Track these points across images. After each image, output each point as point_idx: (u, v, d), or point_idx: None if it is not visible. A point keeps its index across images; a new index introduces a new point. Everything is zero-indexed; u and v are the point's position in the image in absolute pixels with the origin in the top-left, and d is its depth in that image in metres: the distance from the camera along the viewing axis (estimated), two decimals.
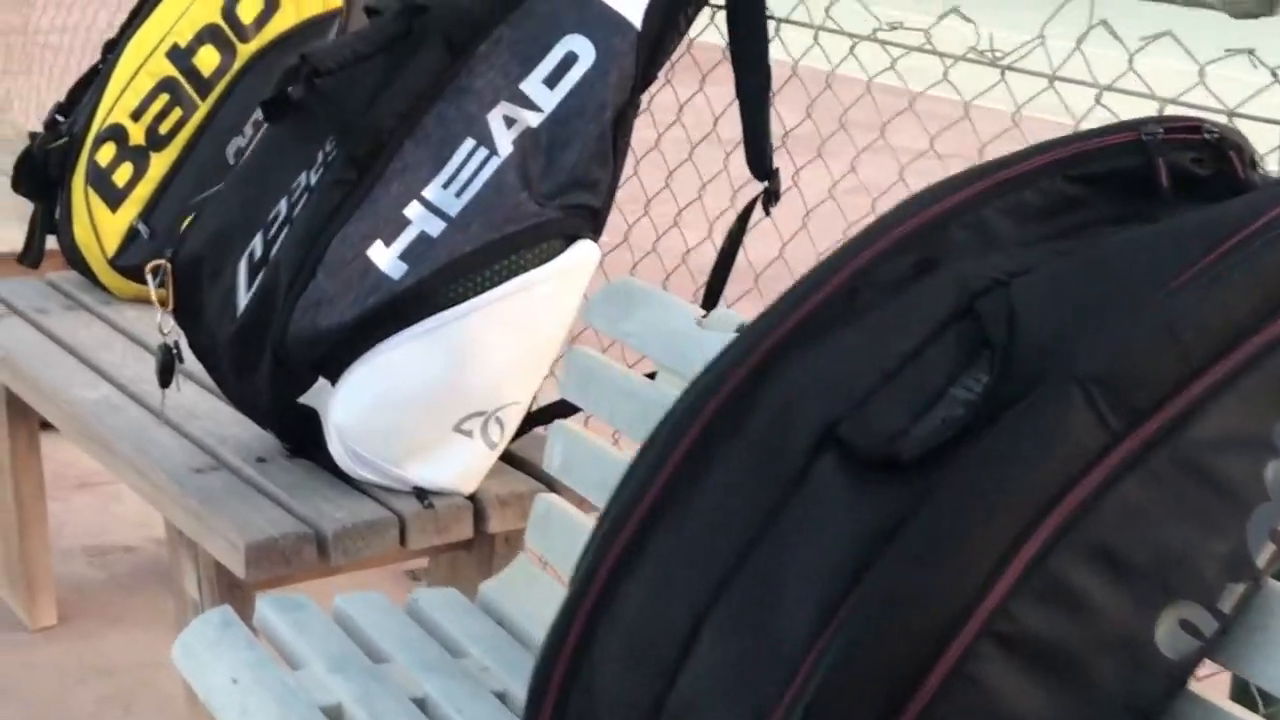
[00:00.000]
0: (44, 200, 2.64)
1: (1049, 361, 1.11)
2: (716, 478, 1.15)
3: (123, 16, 5.01)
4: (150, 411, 2.16)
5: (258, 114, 2.58)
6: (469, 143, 1.88)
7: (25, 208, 3.46)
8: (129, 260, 2.57)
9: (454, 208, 1.87)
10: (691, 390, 1.18)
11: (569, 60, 1.92)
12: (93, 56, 5.12)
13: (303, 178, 1.90)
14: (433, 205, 1.86)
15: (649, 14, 1.93)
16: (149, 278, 1.94)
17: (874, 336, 1.17)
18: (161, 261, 1.94)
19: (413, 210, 1.86)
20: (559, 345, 1.96)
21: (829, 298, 1.19)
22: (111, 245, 2.57)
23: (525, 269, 1.89)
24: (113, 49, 2.65)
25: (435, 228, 1.86)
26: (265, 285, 1.86)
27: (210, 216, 1.95)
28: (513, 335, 1.90)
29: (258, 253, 1.89)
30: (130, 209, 2.57)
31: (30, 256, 2.66)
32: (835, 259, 1.21)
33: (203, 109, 2.59)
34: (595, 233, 1.95)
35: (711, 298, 1.94)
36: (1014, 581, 1.05)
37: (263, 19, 2.61)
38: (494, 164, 1.88)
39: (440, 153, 1.88)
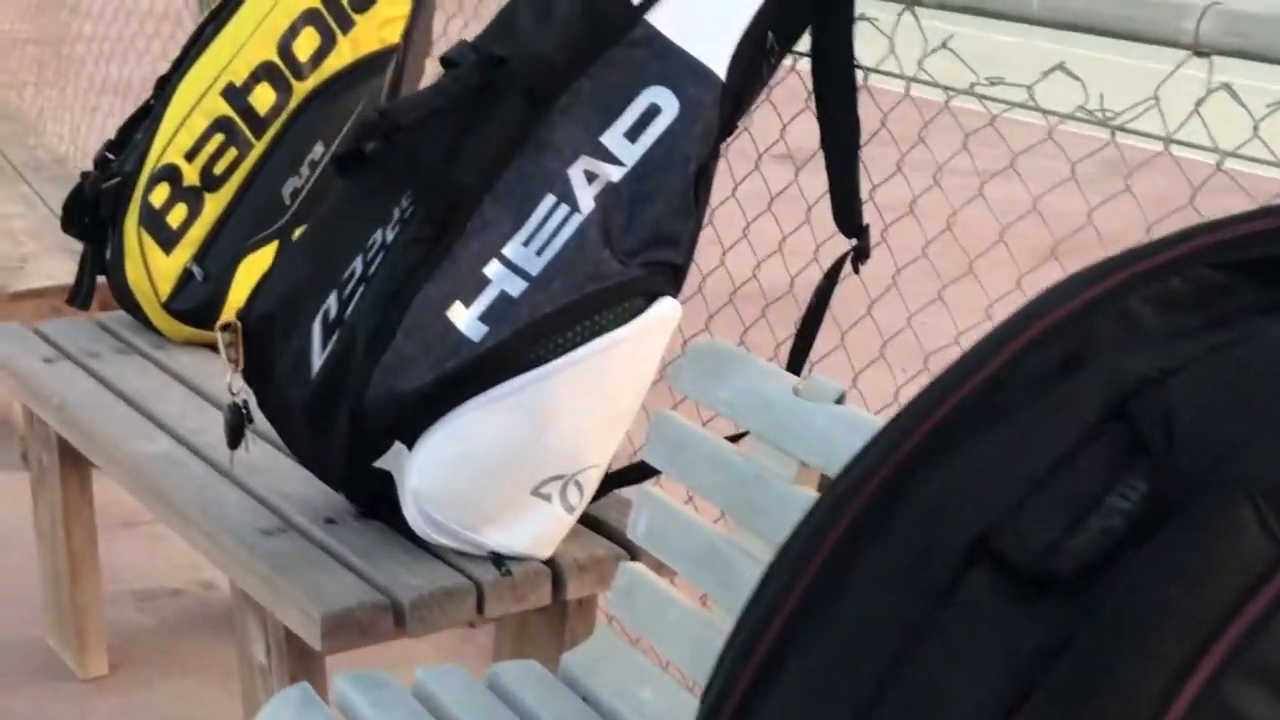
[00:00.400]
0: (94, 240, 2.59)
1: (1211, 469, 1.05)
2: (858, 590, 1.09)
3: (148, 25, 4.98)
4: (213, 467, 2.10)
5: (314, 153, 2.54)
6: (550, 199, 1.83)
7: (67, 240, 3.41)
8: (183, 303, 2.52)
9: (535, 266, 1.81)
10: (830, 493, 1.12)
11: (651, 113, 1.86)
12: (119, 68, 5.11)
13: (378, 235, 1.84)
14: (513, 264, 1.81)
15: (734, 64, 1.88)
16: (218, 336, 1.89)
17: (1022, 438, 1.11)
18: (231, 319, 1.89)
19: (493, 269, 1.80)
20: (638, 404, 1.91)
21: (972, 394, 1.13)
22: (165, 288, 2.52)
23: (607, 329, 1.83)
24: (165, 86, 2.60)
25: (516, 287, 1.80)
26: (341, 347, 1.80)
27: (282, 274, 1.89)
28: (593, 397, 1.84)
29: (332, 312, 1.83)
30: (184, 251, 2.52)
31: (80, 298, 2.60)
32: (978, 353, 1.15)
33: (258, 148, 2.53)
34: (676, 289, 1.90)
35: (798, 360, 1.88)
36: (1185, 711, 0.99)
37: (319, 56, 2.55)
38: (575, 221, 1.82)
39: (520, 209, 1.82)
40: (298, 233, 2.51)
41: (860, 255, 1.87)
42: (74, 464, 2.49)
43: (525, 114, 1.84)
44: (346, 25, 2.57)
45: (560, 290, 1.81)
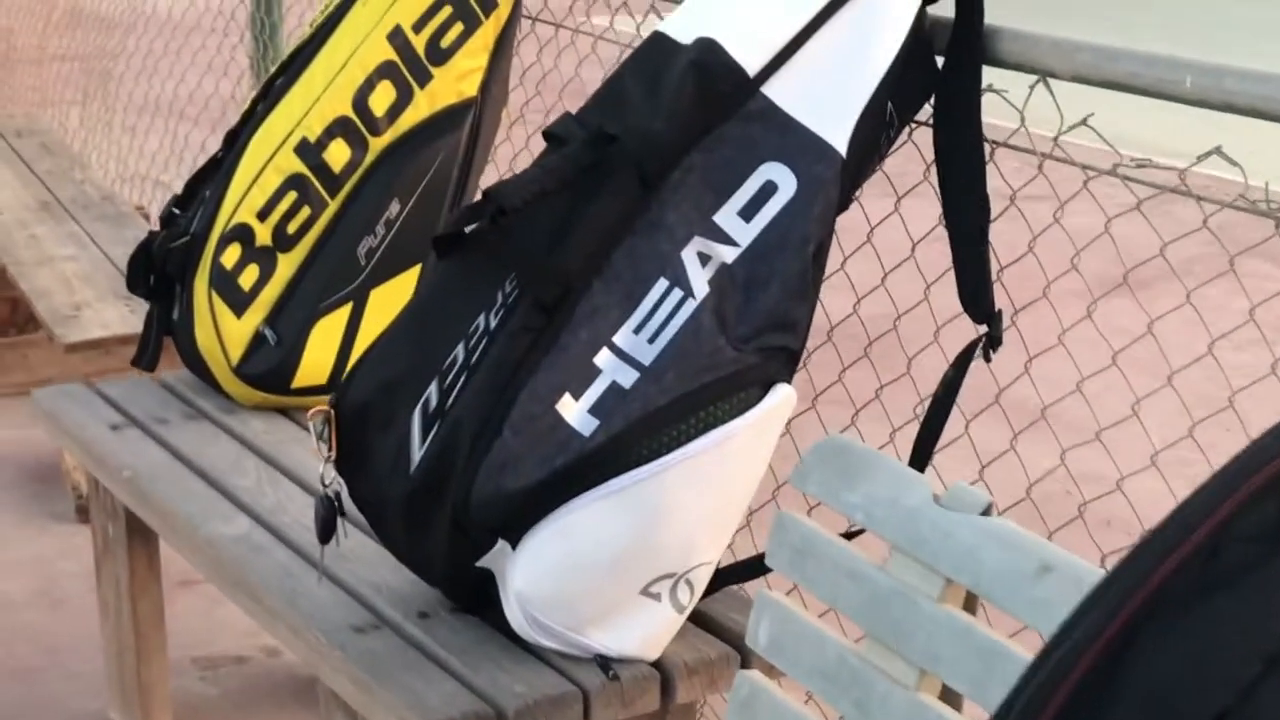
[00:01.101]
0: (160, 300, 2.49)
1: None
2: None
3: (174, 42, 4.89)
4: (297, 553, 2.00)
5: (390, 212, 2.45)
6: (662, 283, 1.73)
7: (121, 284, 3.32)
8: (254, 368, 2.43)
9: (647, 355, 1.71)
10: (1044, 660, 1.02)
11: (767, 190, 1.76)
12: (156, 85, 5.02)
13: (481, 320, 1.75)
14: (624, 353, 1.71)
15: (854, 139, 1.78)
16: (310, 425, 1.79)
17: (1249, 609, 1.00)
18: (323, 408, 1.79)
19: (603, 359, 1.70)
20: (752, 495, 1.81)
21: (1188, 559, 1.03)
22: (236, 352, 2.42)
23: (722, 421, 1.73)
24: (234, 140, 2.50)
25: (627, 378, 1.70)
26: (444, 442, 1.70)
27: (379, 360, 1.79)
28: (707, 492, 1.74)
29: (433, 402, 1.74)
30: (256, 313, 2.43)
31: (146, 359, 2.51)
32: (1188, 514, 1.05)
33: (332, 207, 2.44)
34: (791, 374, 1.80)
35: (922, 456, 1.78)
36: None
37: (395, 111, 2.46)
38: (690, 307, 1.72)
39: (631, 294, 1.72)
40: (382, 309, 2.41)
41: (993, 343, 1.76)
42: (141, 535, 2.39)
43: (636, 193, 1.74)
44: (423, 79, 2.47)
45: (674, 381, 1.71)
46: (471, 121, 2.51)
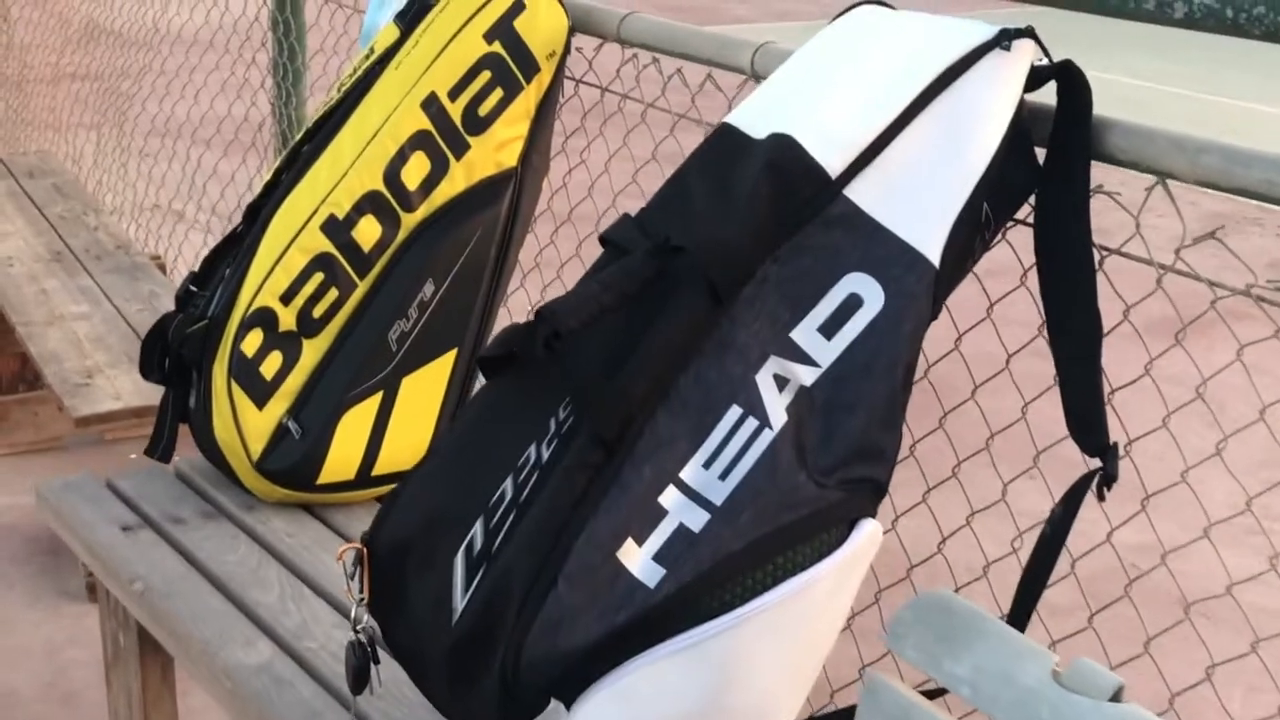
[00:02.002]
0: (176, 386, 2.31)
1: None
2: None
3: (190, 62, 4.70)
4: (324, 687, 1.82)
5: (423, 293, 2.27)
6: (734, 411, 1.54)
7: (136, 347, 3.14)
8: (277, 463, 2.24)
9: (719, 494, 1.52)
10: None
11: (851, 304, 1.57)
12: (160, 106, 4.83)
13: (532, 451, 1.56)
14: (693, 491, 1.52)
15: (949, 245, 1.59)
16: (341, 565, 1.61)
17: None
18: (355, 545, 1.61)
19: (670, 498, 1.52)
20: (833, 643, 1.62)
21: None
22: (257, 446, 2.24)
23: (803, 566, 1.54)
24: (255, 215, 2.32)
25: (697, 520, 1.51)
26: (492, 592, 1.51)
27: (417, 493, 1.61)
28: (785, 645, 1.55)
29: (478, 544, 1.55)
30: (279, 404, 2.24)
31: (159, 449, 2.32)
32: None
33: (361, 288, 2.26)
34: (876, 508, 1.61)
35: (1024, 611, 1.59)
36: None
37: (430, 184, 2.28)
38: (766, 438, 1.54)
39: (700, 423, 1.54)
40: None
41: (1107, 479, 1.57)
42: (155, 645, 2.21)
43: (705, 310, 1.55)
44: (460, 149, 2.29)
45: (749, 523, 1.52)
46: (511, 194, 2.33)
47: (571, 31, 2.34)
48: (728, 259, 1.56)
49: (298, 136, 2.37)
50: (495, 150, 2.31)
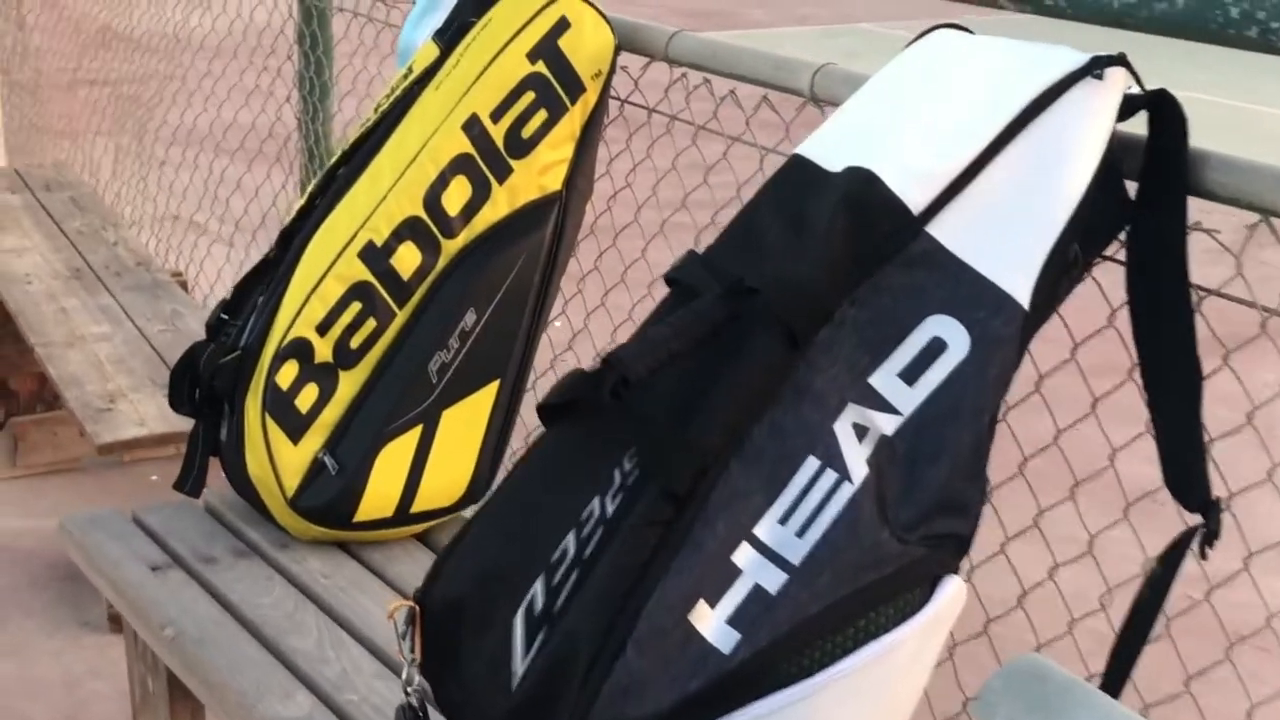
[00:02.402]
0: (206, 419, 2.22)
1: None
2: None
3: (204, 68, 4.59)
4: None
5: (465, 323, 2.18)
6: (812, 463, 1.45)
7: (159, 369, 3.06)
8: (312, 500, 2.15)
9: (796, 552, 1.43)
10: None
11: (934, 349, 1.48)
12: (180, 114, 4.73)
13: (595, 505, 1.47)
14: (769, 549, 1.43)
15: (1039, 286, 1.50)
16: (393, 623, 1.52)
17: None
18: (406, 603, 1.52)
19: (744, 556, 1.43)
20: (915, 705, 1.53)
21: None
22: (292, 483, 2.15)
23: (886, 629, 1.45)
24: (289, 240, 2.23)
25: (774, 580, 1.42)
26: (554, 657, 1.42)
27: (473, 548, 1.52)
28: (865, 712, 1.46)
29: (539, 603, 1.46)
30: (314, 438, 2.15)
31: (189, 483, 2.23)
32: None
33: (400, 318, 2.17)
34: (959, 564, 1.52)
35: (1119, 676, 1.50)
36: None
37: (471, 210, 2.19)
38: (846, 492, 1.45)
39: (775, 476, 1.45)
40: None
41: (1208, 537, 1.48)
42: (184, 691, 2.12)
43: (781, 354, 1.46)
44: (503, 173, 2.20)
45: (829, 583, 1.43)
46: (555, 219, 2.24)
47: (617, 50, 2.25)
48: (804, 301, 1.47)
49: (333, 159, 2.28)
50: (539, 174, 2.22)
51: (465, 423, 2.21)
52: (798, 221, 1.53)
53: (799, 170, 1.57)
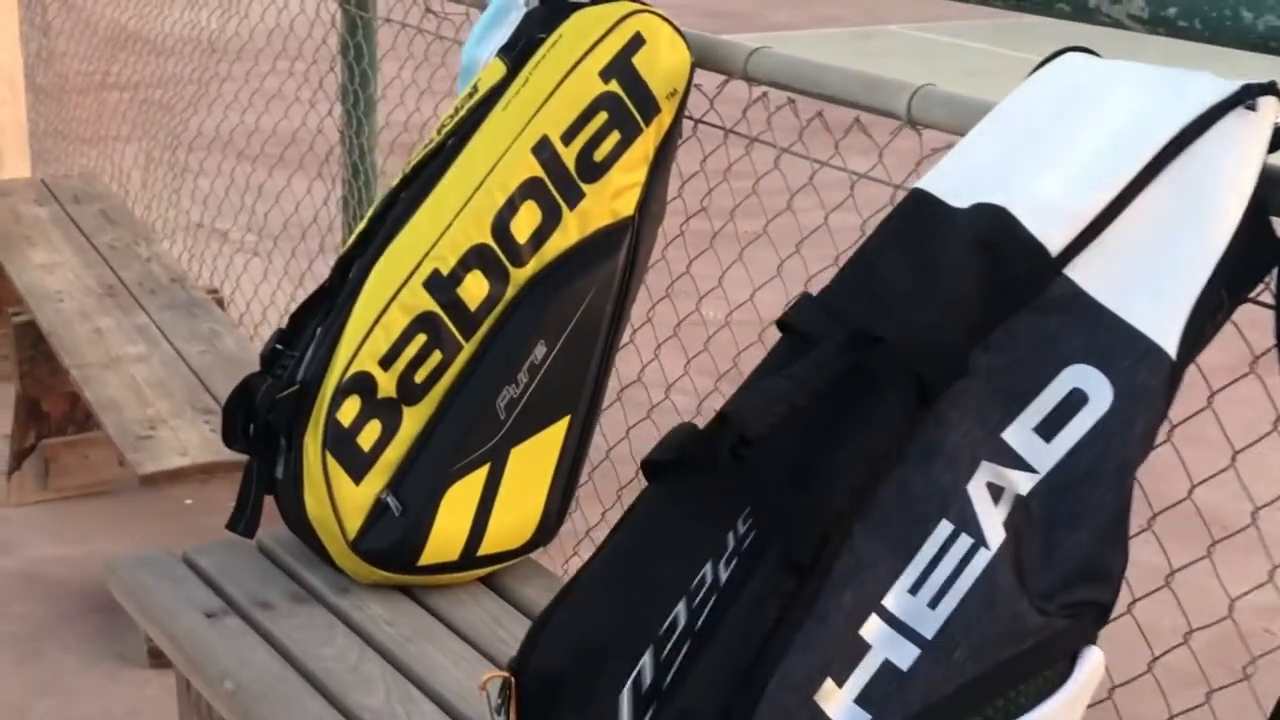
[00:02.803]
0: (262, 455, 2.11)
1: None
2: None
3: (223, 66, 4.47)
4: None
5: (534, 356, 2.07)
6: (944, 527, 1.34)
7: (198, 394, 2.95)
8: (375, 542, 2.04)
9: (929, 625, 1.32)
10: None
11: (1074, 401, 1.37)
12: (217, 121, 4.61)
13: (708, 571, 1.36)
14: (899, 622, 1.32)
15: (1187, 333, 1.38)
16: (485, 694, 1.41)
17: None
18: (501, 674, 1.41)
19: (872, 630, 1.31)
20: None
21: None
22: (354, 524, 2.04)
23: (1025, 708, 1.34)
24: (347, 268, 2.12)
25: (905, 656, 1.31)
26: None
27: (573, 616, 1.41)
28: None
29: (647, 678, 1.34)
30: (377, 478, 2.04)
31: (243, 523, 2.12)
32: None
33: (467, 350, 2.06)
34: (1097, 633, 1.40)
35: None
36: None
37: (541, 237, 2.08)
38: (982, 559, 1.33)
39: (905, 542, 1.33)
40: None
41: None
42: None
43: (911, 408, 1.35)
44: (574, 198, 2.09)
45: (965, 659, 1.32)
46: (628, 246, 2.13)
47: (693, 68, 2.14)
48: (936, 351, 1.36)
49: (395, 182, 2.16)
50: (611, 198, 2.11)
51: (534, 461, 2.10)
52: (923, 262, 1.41)
53: (921, 206, 1.46)
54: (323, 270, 3.53)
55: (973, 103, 1.78)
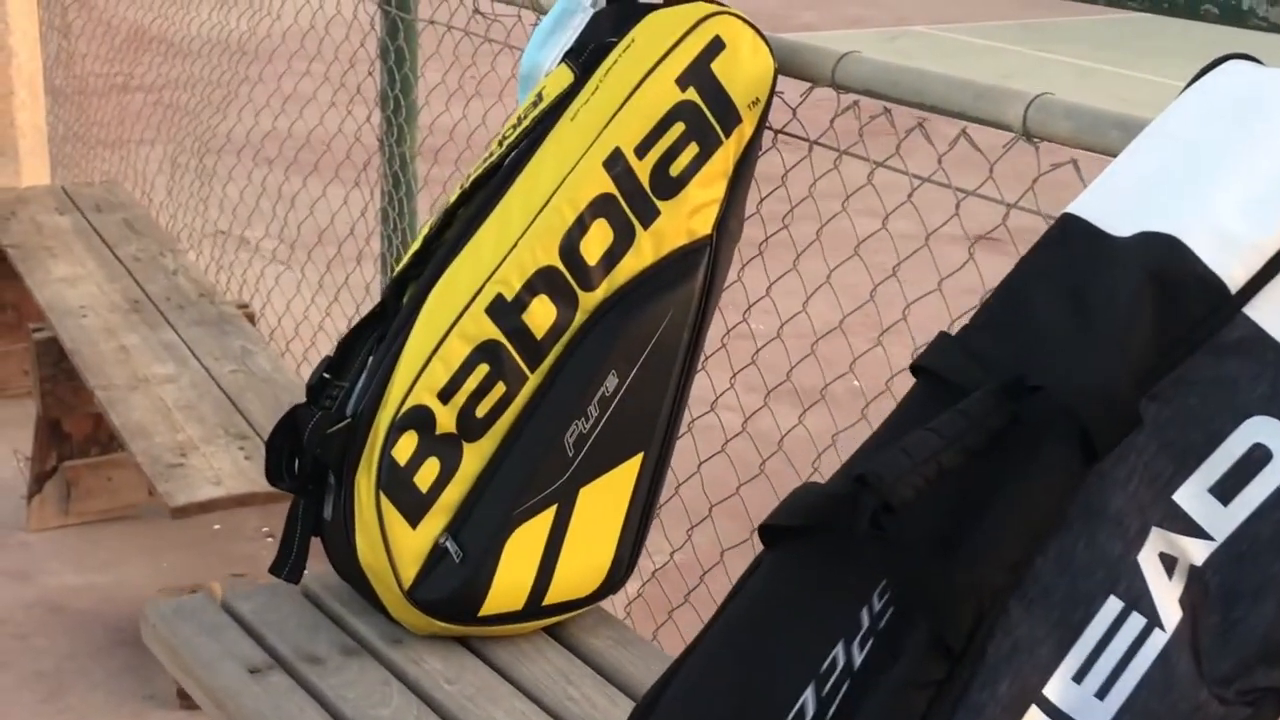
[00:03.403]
0: (309, 494, 1.95)
1: None
2: None
3: (241, 68, 4.30)
4: None
5: (605, 387, 1.91)
6: (1113, 605, 1.17)
7: (231, 417, 2.79)
8: (432, 591, 1.88)
9: (1097, 718, 1.15)
10: None
11: (1255, 459, 1.20)
12: (247, 128, 4.43)
13: (838, 652, 1.19)
14: (1063, 715, 1.15)
15: None
16: None
17: None
18: None
19: None
20: None
21: None
22: (409, 572, 1.87)
23: None
24: (402, 290, 1.96)
25: None
26: None
27: (685, 702, 1.24)
28: None
29: None
30: (435, 521, 1.88)
31: (288, 568, 1.96)
32: None
33: (532, 382, 1.90)
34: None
35: None
36: None
37: (612, 258, 1.91)
38: (1157, 642, 1.16)
39: (1067, 622, 1.16)
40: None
41: None
42: None
43: (1075, 467, 1.18)
44: (648, 216, 1.92)
45: None
46: (705, 268, 1.96)
47: (776, 75, 1.97)
48: (1105, 402, 1.19)
49: (453, 197, 2.00)
50: (688, 216, 1.95)
51: (605, 502, 1.94)
52: (1082, 299, 1.24)
53: (1078, 237, 1.28)
54: (358, 283, 3.40)
55: (1102, 115, 1.61)
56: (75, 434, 3.35)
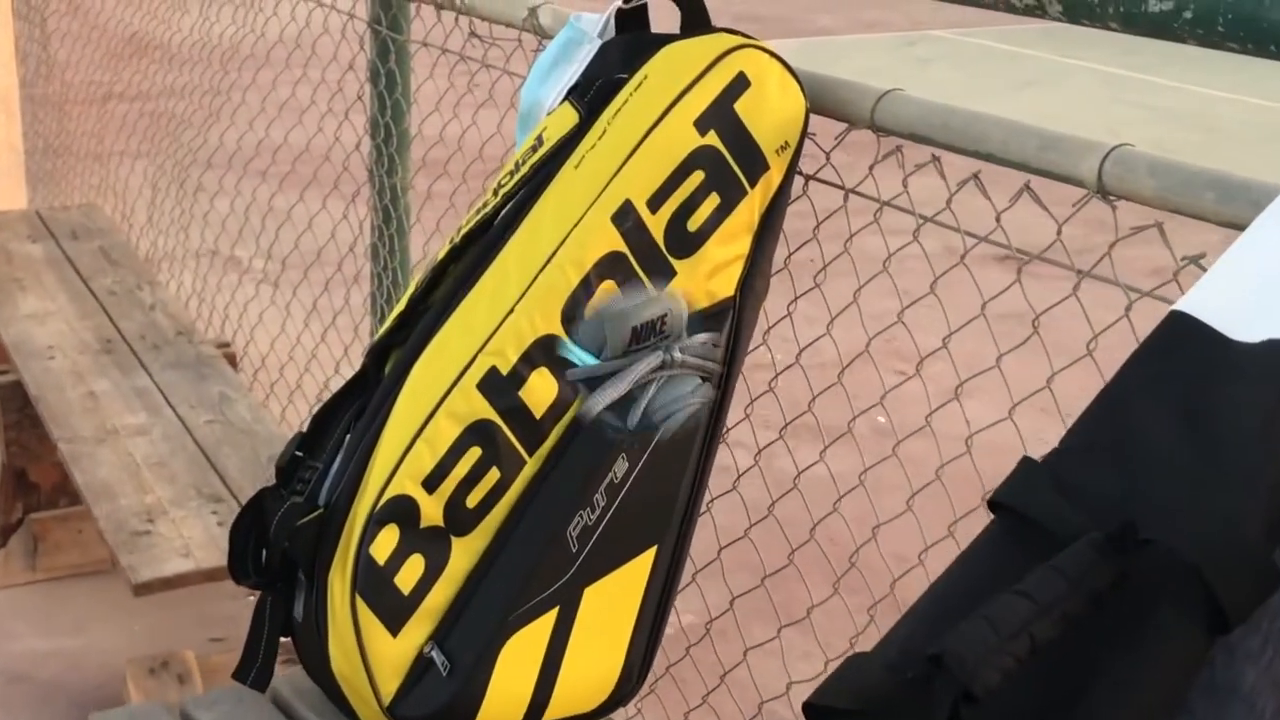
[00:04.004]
0: (277, 592, 1.72)
1: None
2: None
3: (231, 73, 4.07)
4: None
5: (613, 474, 1.67)
6: None
7: (207, 479, 2.57)
8: (416, 707, 1.65)
9: None
10: None
11: None
12: (218, 133, 4.21)
13: None
14: None
15: None
16: None
17: None
18: None
19: None
20: None
21: None
22: (390, 685, 1.65)
23: None
24: (383, 359, 1.73)
25: None
26: None
27: None
28: None
29: None
30: (419, 627, 1.65)
31: (253, 674, 1.73)
32: None
33: (530, 467, 1.67)
34: None
35: None
36: None
37: None
38: None
39: None
40: None
41: None
42: None
43: (1197, 640, 0.95)
44: (662, 276, 1.69)
45: None
46: (728, 334, 1.73)
47: (808, 116, 1.74)
48: (1235, 555, 0.95)
49: (442, 253, 1.76)
50: (707, 277, 1.71)
51: (613, 602, 1.71)
52: (1202, 421, 1.01)
53: (1190, 340, 1.05)
54: (355, 304, 3.16)
55: (1194, 174, 1.38)
56: (43, 484, 3.13)
